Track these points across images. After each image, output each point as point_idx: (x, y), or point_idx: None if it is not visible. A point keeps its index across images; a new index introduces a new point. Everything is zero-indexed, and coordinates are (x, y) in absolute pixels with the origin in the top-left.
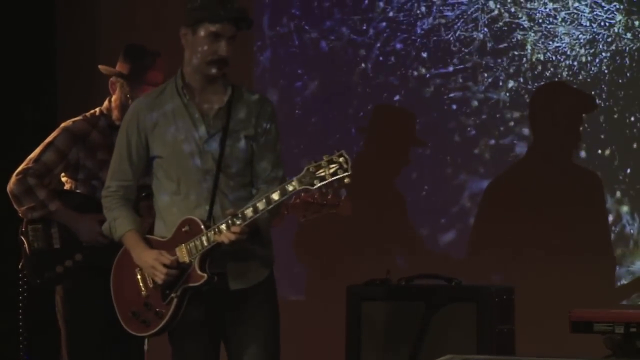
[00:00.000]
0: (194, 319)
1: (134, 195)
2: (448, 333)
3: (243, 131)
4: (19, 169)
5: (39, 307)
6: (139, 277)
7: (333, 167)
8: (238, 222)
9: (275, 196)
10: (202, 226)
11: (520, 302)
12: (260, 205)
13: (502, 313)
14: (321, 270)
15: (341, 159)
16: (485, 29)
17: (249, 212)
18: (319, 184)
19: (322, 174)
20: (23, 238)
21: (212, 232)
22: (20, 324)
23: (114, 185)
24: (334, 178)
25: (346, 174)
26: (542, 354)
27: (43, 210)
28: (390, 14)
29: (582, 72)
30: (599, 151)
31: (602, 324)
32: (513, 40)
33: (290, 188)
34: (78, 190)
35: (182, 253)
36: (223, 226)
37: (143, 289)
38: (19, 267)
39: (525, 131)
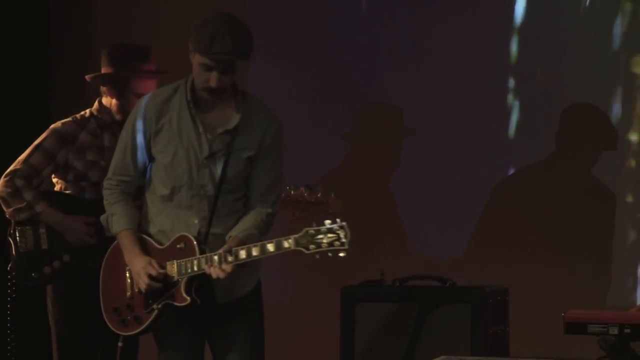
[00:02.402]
0: (179, 321)
1: (134, 190)
2: (442, 334)
3: (246, 152)
4: (8, 170)
5: (28, 309)
6: (128, 276)
7: (331, 237)
8: (230, 259)
9: (270, 248)
10: (197, 250)
11: (515, 303)
12: (255, 252)
13: (497, 314)
14: (315, 271)
15: (341, 232)
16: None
17: (242, 253)
18: (313, 250)
19: (319, 240)
20: (10, 240)
21: (204, 260)
22: (9, 325)
23: (115, 179)
24: (329, 249)
25: (342, 248)
26: (537, 355)
27: (29, 211)
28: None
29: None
30: (600, 153)
31: (596, 325)
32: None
33: (286, 245)
34: (68, 191)
35: (172, 268)
36: (215, 257)
37: (129, 290)
38: (8, 269)
39: (522, 132)
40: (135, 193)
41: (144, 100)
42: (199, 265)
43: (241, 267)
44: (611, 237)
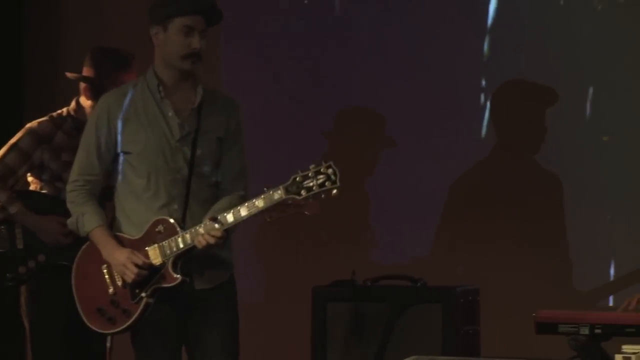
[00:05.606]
0: (157, 319)
1: (99, 191)
2: (413, 334)
3: (214, 132)
4: None
5: (4, 310)
6: (105, 273)
7: (321, 178)
8: (217, 226)
9: (260, 203)
10: (178, 228)
11: (486, 303)
12: (243, 212)
13: (468, 314)
14: (285, 271)
15: (329, 171)
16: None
17: (229, 217)
18: (305, 195)
19: (310, 184)
20: None
21: (189, 235)
22: None
23: (81, 179)
24: (322, 189)
25: (335, 186)
26: (508, 355)
27: (3, 213)
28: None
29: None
30: (573, 152)
31: (567, 325)
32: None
33: (276, 196)
34: (44, 191)
35: (155, 253)
36: (201, 229)
37: (110, 286)
38: None
39: (494, 131)
40: (99, 196)
41: (103, 99)
42: (184, 242)
43: (219, 251)
44: (584, 236)
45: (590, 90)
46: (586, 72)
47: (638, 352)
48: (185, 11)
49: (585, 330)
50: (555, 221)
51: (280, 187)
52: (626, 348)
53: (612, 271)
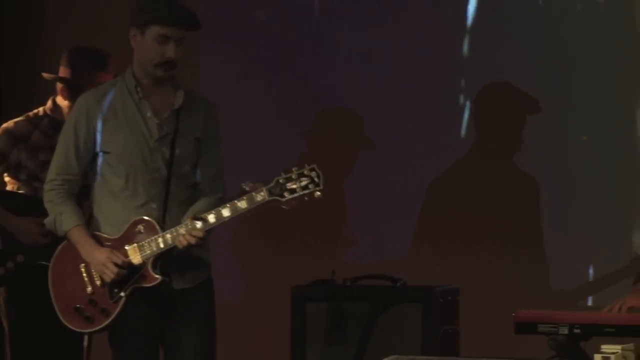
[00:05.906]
0: (135, 318)
1: (77, 190)
2: (393, 334)
3: (193, 133)
4: None
5: None
6: (83, 272)
7: (304, 181)
8: (199, 227)
9: (243, 205)
10: (158, 228)
11: (465, 303)
12: (225, 213)
13: (447, 314)
14: (265, 270)
15: (313, 173)
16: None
17: (211, 217)
18: (289, 197)
19: (293, 186)
20: None
21: (170, 235)
22: None
23: (59, 179)
24: (305, 192)
25: (318, 188)
26: (487, 355)
27: None
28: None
29: (528, 66)
30: (553, 153)
31: (546, 325)
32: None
33: (259, 198)
34: (21, 191)
35: (135, 252)
36: (182, 229)
37: (88, 285)
38: None
39: (473, 131)
40: (78, 196)
41: (82, 99)
42: (165, 242)
43: (198, 250)
44: (563, 236)
45: (570, 89)
46: (566, 72)
47: (617, 352)
48: (163, 21)
49: (564, 330)
50: (534, 221)
51: (264, 189)
52: (605, 348)
53: (591, 271)
